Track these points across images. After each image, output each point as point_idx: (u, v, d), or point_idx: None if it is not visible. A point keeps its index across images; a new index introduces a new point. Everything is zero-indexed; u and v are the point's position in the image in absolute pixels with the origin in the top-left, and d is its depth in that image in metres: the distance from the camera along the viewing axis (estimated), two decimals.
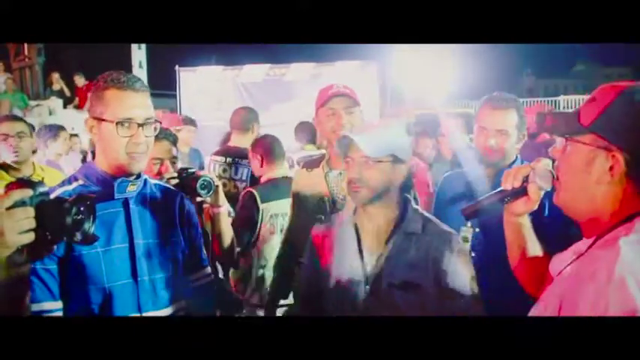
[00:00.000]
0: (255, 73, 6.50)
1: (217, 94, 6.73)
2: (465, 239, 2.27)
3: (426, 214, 1.88)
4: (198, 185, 2.09)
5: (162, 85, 10.71)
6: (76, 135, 7.08)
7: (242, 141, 3.71)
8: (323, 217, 2.20)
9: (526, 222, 1.48)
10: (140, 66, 10.99)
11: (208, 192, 2.12)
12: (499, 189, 1.44)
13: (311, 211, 2.35)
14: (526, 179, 1.39)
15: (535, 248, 1.50)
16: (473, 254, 2.24)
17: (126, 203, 1.67)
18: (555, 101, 16.01)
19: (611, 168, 1.13)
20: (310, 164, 2.54)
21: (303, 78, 5.61)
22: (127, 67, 11.22)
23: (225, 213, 2.27)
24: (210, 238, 2.21)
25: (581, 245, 1.22)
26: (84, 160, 5.80)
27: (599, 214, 1.18)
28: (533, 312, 1.26)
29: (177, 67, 7.15)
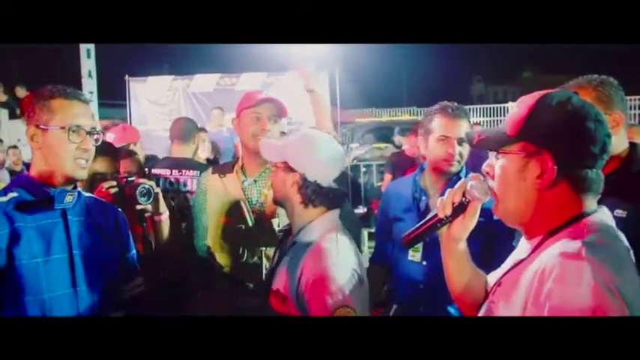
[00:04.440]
0: (205, 82, 6.50)
1: (168, 103, 6.70)
2: (415, 249, 2.26)
3: None
4: (137, 192, 2.06)
5: (113, 95, 10.49)
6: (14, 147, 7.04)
7: (184, 152, 3.62)
8: (243, 227, 2.18)
9: (465, 247, 1.42)
10: (90, 75, 10.69)
11: (148, 199, 2.09)
12: (433, 212, 1.39)
13: (229, 221, 2.25)
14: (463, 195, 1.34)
15: (476, 273, 1.45)
16: (424, 263, 2.25)
17: (64, 214, 1.70)
18: (504, 108, 16.51)
19: (541, 173, 1.15)
20: (222, 169, 2.41)
21: (253, 88, 5.64)
22: (76, 76, 10.92)
23: (167, 220, 2.23)
24: (154, 247, 2.18)
25: (520, 253, 1.24)
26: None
27: (540, 217, 1.19)
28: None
29: (126, 76, 7.08)
